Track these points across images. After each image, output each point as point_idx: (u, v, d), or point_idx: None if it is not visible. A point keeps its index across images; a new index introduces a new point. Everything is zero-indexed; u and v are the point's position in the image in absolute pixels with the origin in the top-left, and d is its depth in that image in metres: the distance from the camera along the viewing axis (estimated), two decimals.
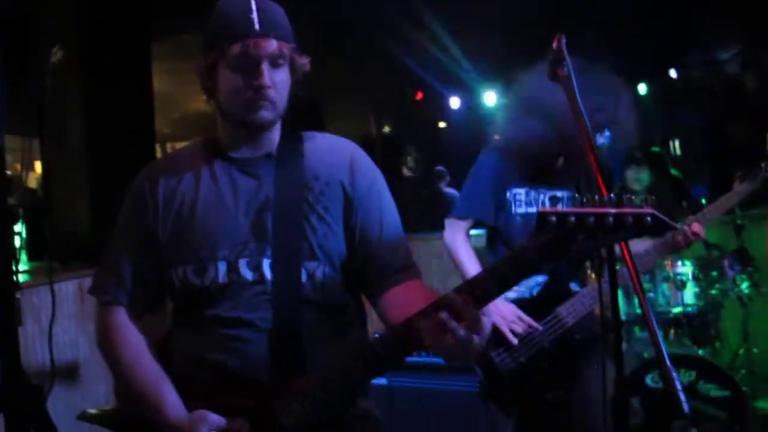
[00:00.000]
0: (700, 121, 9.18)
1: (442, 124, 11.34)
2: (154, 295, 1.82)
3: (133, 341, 1.77)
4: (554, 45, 2.11)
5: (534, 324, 2.80)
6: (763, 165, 3.16)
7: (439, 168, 7.83)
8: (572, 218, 1.29)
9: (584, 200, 1.29)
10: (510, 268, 1.37)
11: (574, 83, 1.99)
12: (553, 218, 1.30)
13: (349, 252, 1.75)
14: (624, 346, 4.05)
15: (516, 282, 1.38)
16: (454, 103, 9.15)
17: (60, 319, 3.37)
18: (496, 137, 3.08)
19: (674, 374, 1.43)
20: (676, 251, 3.12)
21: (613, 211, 1.29)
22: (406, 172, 7.61)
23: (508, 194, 2.92)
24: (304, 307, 1.68)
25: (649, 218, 1.28)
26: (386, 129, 9.62)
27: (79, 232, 3.78)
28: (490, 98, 8.78)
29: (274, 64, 1.66)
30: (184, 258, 1.71)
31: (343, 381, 1.56)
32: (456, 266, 2.97)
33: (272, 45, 1.64)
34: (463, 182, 3.07)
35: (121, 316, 1.79)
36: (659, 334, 4.12)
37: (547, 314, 2.83)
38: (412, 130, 10.27)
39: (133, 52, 4.07)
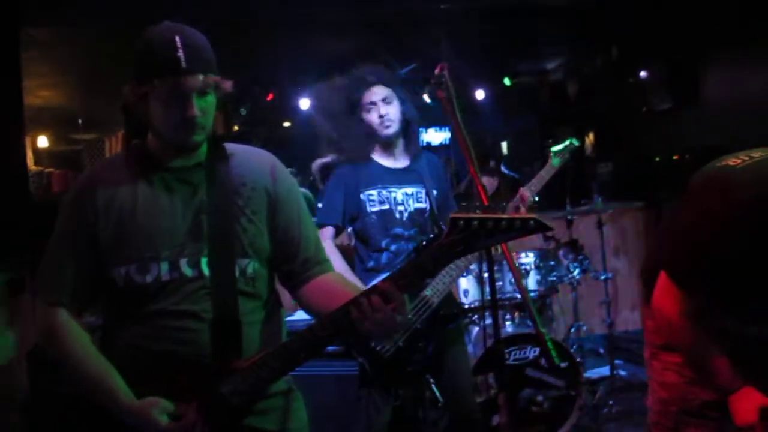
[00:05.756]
0: (530, 124, 10.04)
1: (286, 124, 11.58)
2: (91, 294, 1.95)
3: (79, 337, 1.90)
4: (437, 71, 2.48)
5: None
6: (567, 142, 3.88)
7: (290, 170, 8.08)
8: (475, 222, 1.65)
9: (493, 208, 1.65)
10: (430, 261, 1.69)
11: (455, 104, 2.37)
12: (461, 222, 1.65)
13: (273, 248, 1.99)
14: (475, 329, 4.55)
15: (434, 271, 1.74)
16: (304, 104, 9.39)
17: None
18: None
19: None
20: None
21: (505, 216, 1.65)
22: None
23: (361, 196, 3.23)
24: (239, 298, 1.90)
25: (532, 222, 1.63)
26: (235, 128, 9.75)
27: None
28: None
29: (201, 93, 1.82)
30: (126, 258, 1.86)
31: (283, 359, 1.80)
32: None
33: (199, 80, 1.79)
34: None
35: (65, 315, 1.90)
36: (507, 316, 4.64)
37: (412, 299, 3.09)
38: (260, 128, 10.47)
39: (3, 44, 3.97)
